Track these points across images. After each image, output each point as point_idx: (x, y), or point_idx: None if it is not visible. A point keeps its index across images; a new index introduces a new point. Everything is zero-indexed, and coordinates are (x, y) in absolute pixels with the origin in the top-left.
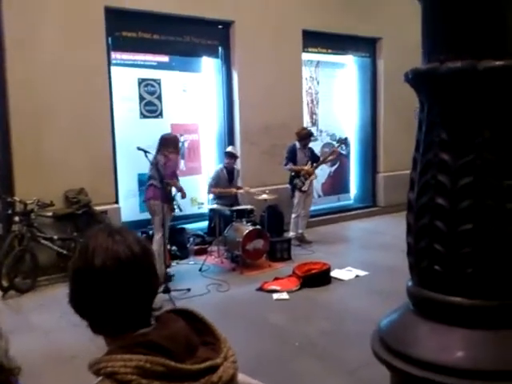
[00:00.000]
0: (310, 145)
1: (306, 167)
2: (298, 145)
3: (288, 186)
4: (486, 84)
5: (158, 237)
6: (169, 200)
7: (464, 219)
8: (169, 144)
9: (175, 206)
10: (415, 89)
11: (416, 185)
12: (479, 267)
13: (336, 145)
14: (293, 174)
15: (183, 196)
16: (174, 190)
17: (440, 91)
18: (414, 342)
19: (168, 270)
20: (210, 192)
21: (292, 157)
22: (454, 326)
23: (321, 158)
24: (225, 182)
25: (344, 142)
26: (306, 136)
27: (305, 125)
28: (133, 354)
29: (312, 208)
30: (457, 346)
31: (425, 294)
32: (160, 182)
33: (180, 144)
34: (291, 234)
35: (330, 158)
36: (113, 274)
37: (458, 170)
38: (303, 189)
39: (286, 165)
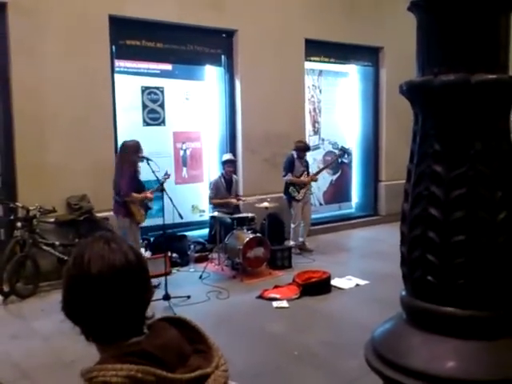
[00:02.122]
0: (313, 154)
1: (304, 179)
2: (295, 155)
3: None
4: (478, 97)
5: None
6: (131, 214)
7: (456, 230)
8: (121, 152)
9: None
10: (410, 101)
11: (410, 196)
12: (471, 278)
13: (337, 153)
14: (288, 183)
15: (148, 207)
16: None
17: (434, 103)
18: (407, 352)
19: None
20: (211, 203)
21: (290, 167)
22: (447, 336)
23: (315, 170)
24: (223, 191)
25: (345, 150)
26: (302, 149)
27: (307, 133)
28: (124, 363)
29: (313, 216)
30: (449, 356)
31: (418, 305)
32: (118, 196)
33: (135, 151)
34: (291, 242)
35: (324, 170)
36: (109, 282)
37: (451, 182)
38: (297, 197)
39: (284, 176)
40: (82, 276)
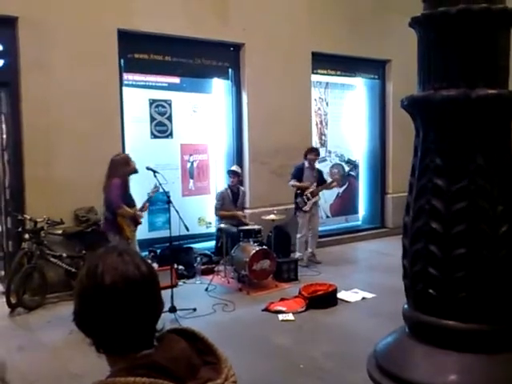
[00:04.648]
0: (320, 166)
1: (310, 188)
2: (306, 164)
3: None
4: (478, 112)
5: None
6: (121, 230)
7: (458, 244)
8: (110, 168)
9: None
10: (411, 115)
11: (411, 209)
12: (473, 291)
13: (346, 166)
14: (298, 191)
15: (138, 222)
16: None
17: (434, 118)
18: (409, 366)
19: None
20: (217, 215)
21: (298, 174)
22: (449, 349)
23: (327, 182)
24: (229, 202)
25: (353, 163)
26: (309, 150)
27: (314, 145)
28: (135, 375)
29: (320, 228)
30: (451, 369)
31: (420, 318)
32: (108, 213)
33: (124, 165)
34: (298, 254)
35: (333, 184)
36: (122, 294)
37: (452, 195)
38: (304, 209)
39: (290, 181)
40: (95, 287)
